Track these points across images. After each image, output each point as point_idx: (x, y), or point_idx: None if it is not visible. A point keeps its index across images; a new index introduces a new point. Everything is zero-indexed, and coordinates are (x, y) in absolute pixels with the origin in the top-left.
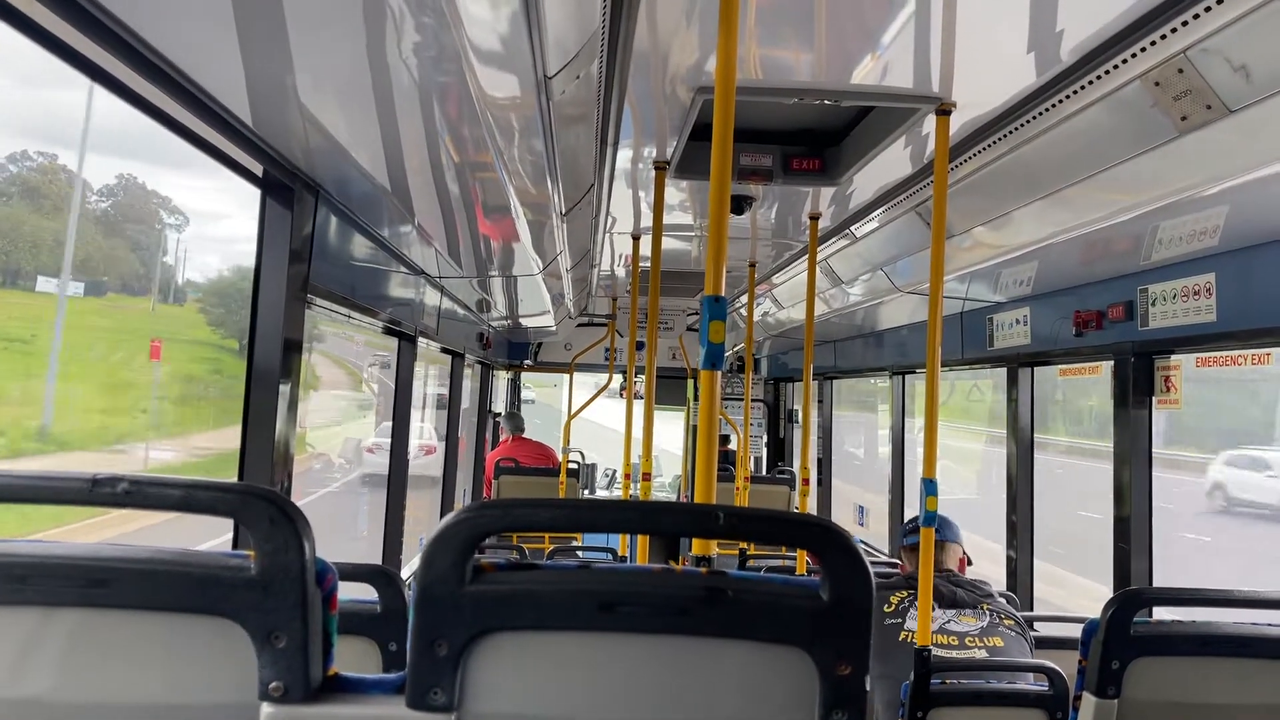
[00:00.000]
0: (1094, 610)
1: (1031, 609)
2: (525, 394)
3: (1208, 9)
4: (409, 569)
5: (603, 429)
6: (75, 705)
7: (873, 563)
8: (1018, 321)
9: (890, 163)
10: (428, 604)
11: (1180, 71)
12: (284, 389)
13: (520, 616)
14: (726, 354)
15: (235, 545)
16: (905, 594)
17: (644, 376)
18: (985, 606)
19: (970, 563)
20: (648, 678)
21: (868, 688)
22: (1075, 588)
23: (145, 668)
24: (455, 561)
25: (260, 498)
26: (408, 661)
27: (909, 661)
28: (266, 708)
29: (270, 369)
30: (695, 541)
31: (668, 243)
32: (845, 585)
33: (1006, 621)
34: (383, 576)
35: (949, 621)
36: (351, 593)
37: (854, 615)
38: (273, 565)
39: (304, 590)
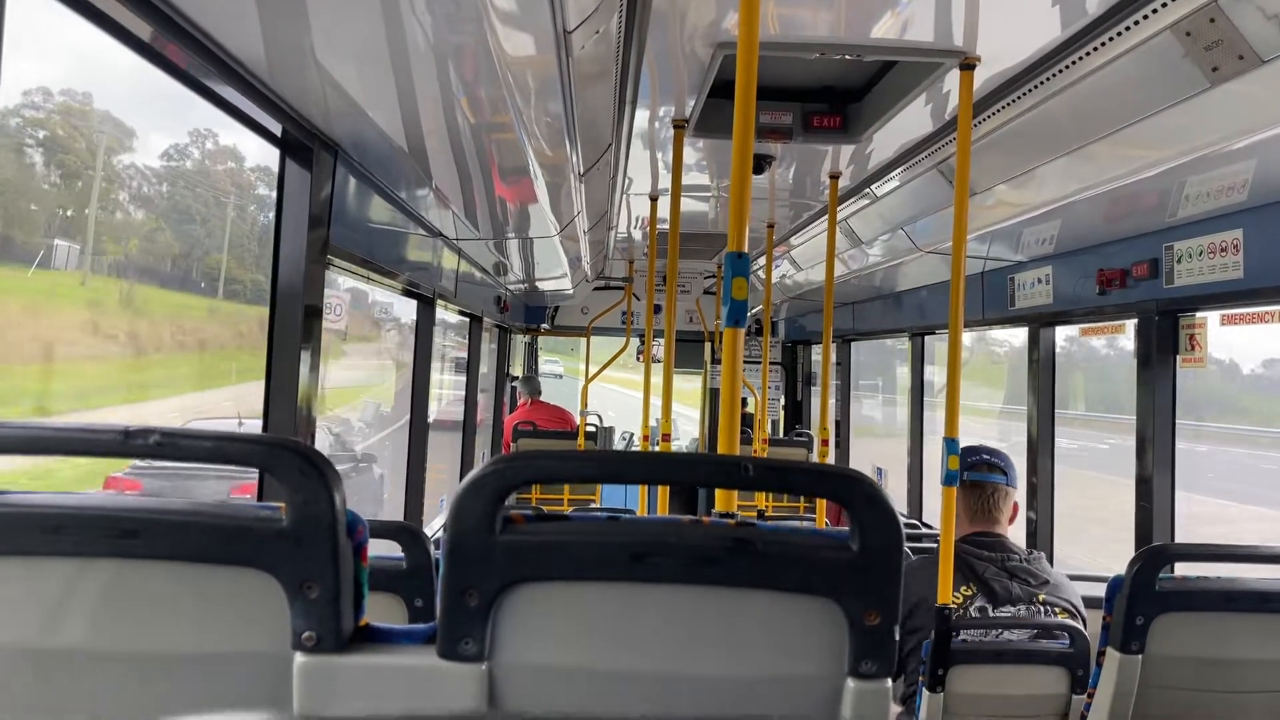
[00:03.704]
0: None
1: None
2: (554, 368)
3: None
4: (431, 530)
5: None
6: (110, 655)
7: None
8: (1040, 281)
9: (912, 120)
10: (458, 554)
11: (1212, 21)
12: (305, 352)
13: (551, 567)
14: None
15: (260, 498)
16: (969, 591)
17: (662, 339)
18: (1040, 599)
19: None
20: (677, 628)
21: (896, 637)
22: None
23: (179, 618)
24: (485, 511)
25: (289, 449)
26: (438, 611)
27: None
28: (300, 657)
29: (291, 332)
30: (718, 498)
31: (686, 204)
32: (874, 535)
33: (1059, 614)
34: (408, 533)
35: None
36: (376, 550)
37: (883, 565)
38: (303, 517)
39: (335, 541)
